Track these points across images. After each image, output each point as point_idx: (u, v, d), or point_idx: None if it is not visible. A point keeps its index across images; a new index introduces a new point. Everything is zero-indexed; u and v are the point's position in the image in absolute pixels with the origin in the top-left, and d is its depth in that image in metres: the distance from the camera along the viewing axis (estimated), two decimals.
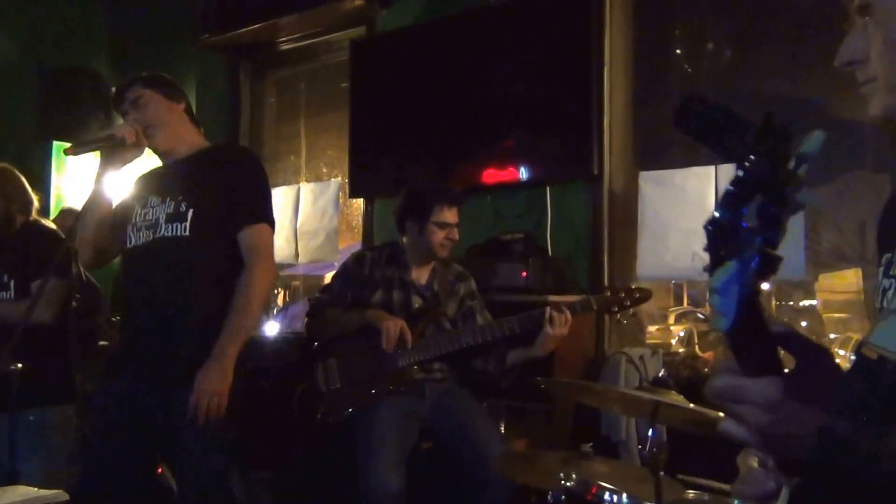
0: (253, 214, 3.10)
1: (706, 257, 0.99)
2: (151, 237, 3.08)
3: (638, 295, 3.53)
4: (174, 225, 3.04)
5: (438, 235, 3.66)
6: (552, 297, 3.79)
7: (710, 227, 0.98)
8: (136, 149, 3.12)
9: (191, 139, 3.25)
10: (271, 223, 3.16)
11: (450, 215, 3.67)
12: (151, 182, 3.23)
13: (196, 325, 3.00)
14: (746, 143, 0.98)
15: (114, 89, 3.35)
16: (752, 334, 1.03)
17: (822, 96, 3.90)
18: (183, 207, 3.05)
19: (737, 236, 0.96)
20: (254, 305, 3.04)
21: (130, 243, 3.13)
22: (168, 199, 3.08)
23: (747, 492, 1.35)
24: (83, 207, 3.15)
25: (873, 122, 1.34)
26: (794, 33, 4.00)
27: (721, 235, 0.97)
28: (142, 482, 3.13)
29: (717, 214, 0.98)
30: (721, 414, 1.14)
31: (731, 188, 0.97)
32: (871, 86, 1.30)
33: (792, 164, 0.97)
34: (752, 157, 0.96)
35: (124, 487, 3.04)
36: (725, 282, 0.97)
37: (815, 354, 1.09)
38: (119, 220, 3.17)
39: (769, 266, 0.96)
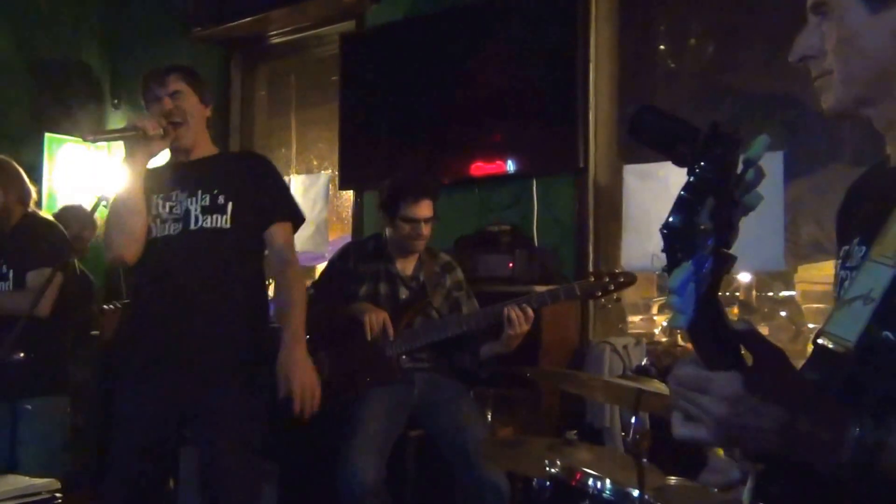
0: (283, 212, 3.21)
1: (664, 258, 1.03)
2: (181, 228, 3.09)
3: (622, 279, 3.50)
4: (213, 217, 3.08)
5: (405, 229, 3.66)
6: (538, 288, 3.80)
7: (665, 231, 1.02)
8: (161, 141, 3.06)
9: (207, 143, 3.29)
10: (296, 220, 3.27)
11: (420, 209, 3.65)
12: (168, 177, 3.20)
13: (235, 312, 3.08)
14: (696, 150, 1.03)
15: (147, 74, 3.30)
16: (711, 330, 1.06)
17: (802, 92, 3.93)
18: (221, 200, 3.09)
19: (691, 239, 1.00)
20: (303, 299, 3.17)
21: (153, 234, 3.12)
22: (199, 192, 3.10)
23: (713, 480, 1.39)
24: (115, 204, 3.08)
25: (827, 116, 1.37)
26: (774, 30, 4.03)
27: (676, 238, 1.02)
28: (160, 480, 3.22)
29: (671, 219, 1.02)
30: (673, 417, 1.16)
31: (683, 193, 1.02)
32: (824, 80, 1.33)
33: (740, 168, 1.01)
34: (701, 163, 1.01)
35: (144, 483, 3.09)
36: (682, 282, 1.00)
37: (772, 353, 1.10)
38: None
39: (724, 264, 1.00)
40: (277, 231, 3.16)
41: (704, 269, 0.99)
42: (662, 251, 1.04)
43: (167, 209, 3.12)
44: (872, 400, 1.17)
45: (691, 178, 1.02)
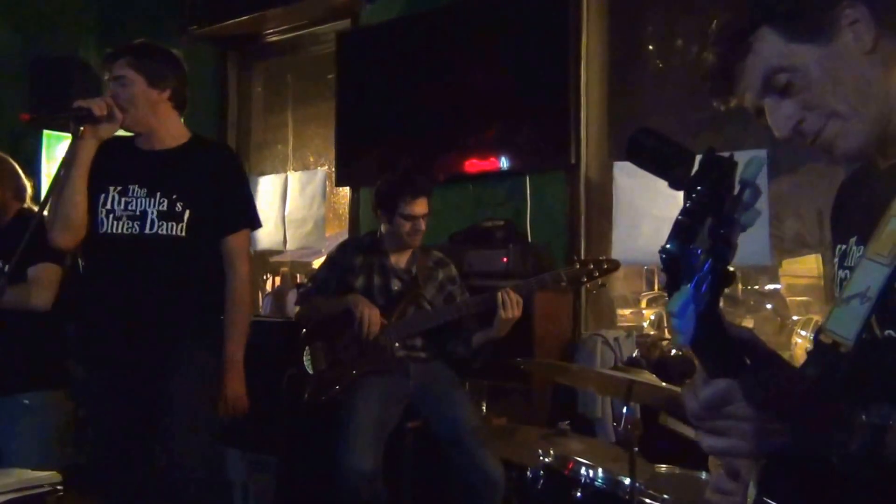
0: (239, 221, 3.21)
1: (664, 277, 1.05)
2: (138, 231, 3.07)
3: (606, 266, 3.57)
4: (169, 224, 3.06)
5: (406, 226, 3.76)
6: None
7: (663, 256, 1.02)
8: (109, 123, 2.99)
9: (173, 129, 3.22)
10: (254, 226, 3.31)
11: (416, 206, 3.75)
12: (126, 165, 3.14)
13: (187, 320, 3.12)
14: (693, 175, 1.03)
15: (108, 52, 3.24)
16: (714, 343, 1.07)
17: None
18: (179, 207, 3.06)
19: (689, 263, 1.00)
20: (247, 309, 3.24)
21: (104, 229, 3.10)
22: (158, 194, 3.07)
23: (719, 502, 1.40)
24: (58, 185, 3.02)
25: (849, 159, 1.37)
26: None
27: (675, 263, 1.01)
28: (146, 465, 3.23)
29: (668, 245, 1.01)
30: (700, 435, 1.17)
31: (681, 218, 1.01)
32: (831, 127, 1.34)
33: (736, 190, 1.01)
34: (698, 187, 1.01)
35: (133, 469, 3.16)
36: (682, 305, 1.00)
37: (769, 358, 1.14)
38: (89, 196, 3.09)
39: (723, 281, 1.00)
40: (232, 240, 3.18)
41: (703, 289, 0.99)
42: (662, 270, 1.04)
43: (122, 205, 3.09)
44: (871, 395, 1.19)
45: (688, 203, 1.01)
